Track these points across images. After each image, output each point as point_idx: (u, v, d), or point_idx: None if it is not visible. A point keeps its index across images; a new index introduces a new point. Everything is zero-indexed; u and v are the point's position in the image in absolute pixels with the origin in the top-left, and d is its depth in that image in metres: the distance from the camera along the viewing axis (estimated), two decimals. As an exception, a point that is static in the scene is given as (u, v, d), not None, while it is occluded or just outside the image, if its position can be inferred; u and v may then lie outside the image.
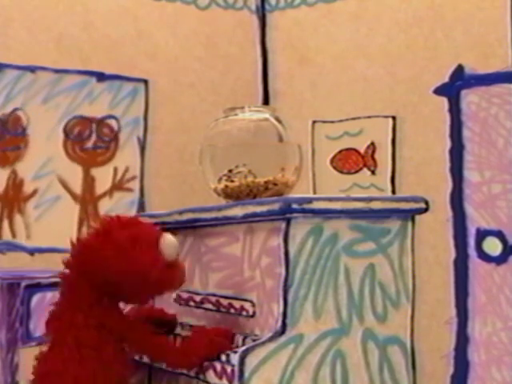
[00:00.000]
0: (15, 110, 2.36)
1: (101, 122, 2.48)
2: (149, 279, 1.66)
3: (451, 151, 2.28)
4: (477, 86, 2.22)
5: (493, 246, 2.19)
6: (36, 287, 2.18)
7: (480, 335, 2.20)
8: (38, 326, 2.18)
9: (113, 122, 2.50)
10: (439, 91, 2.29)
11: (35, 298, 2.17)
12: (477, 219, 2.23)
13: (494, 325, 2.18)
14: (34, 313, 2.17)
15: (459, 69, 2.25)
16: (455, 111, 2.26)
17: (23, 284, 2.17)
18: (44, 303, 2.18)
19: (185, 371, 1.72)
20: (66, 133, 2.42)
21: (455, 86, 2.25)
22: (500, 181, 2.19)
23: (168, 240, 1.70)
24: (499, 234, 2.18)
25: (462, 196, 2.25)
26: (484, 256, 2.21)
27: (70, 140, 2.43)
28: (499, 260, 2.18)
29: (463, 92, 2.25)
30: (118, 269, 1.66)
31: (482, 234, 2.21)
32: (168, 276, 1.70)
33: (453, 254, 2.27)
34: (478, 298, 2.21)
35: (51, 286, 2.18)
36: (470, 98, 2.23)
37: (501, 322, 2.17)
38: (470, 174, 2.24)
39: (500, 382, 2.17)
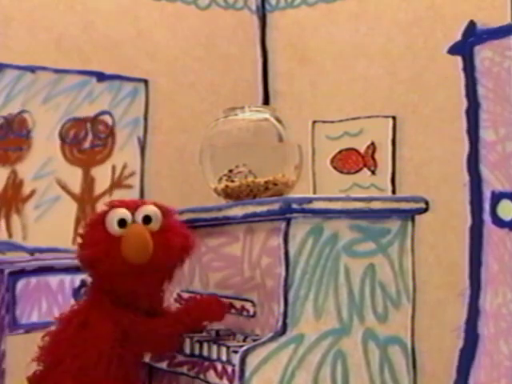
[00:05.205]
0: (22, 111, 2.35)
1: (95, 120, 2.47)
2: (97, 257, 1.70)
3: (467, 111, 2.23)
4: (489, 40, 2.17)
5: (507, 209, 2.13)
6: (20, 273, 2.18)
7: (491, 307, 2.15)
8: (24, 313, 2.18)
9: (107, 118, 2.49)
10: (453, 50, 2.24)
11: (19, 285, 2.17)
12: (492, 182, 2.17)
13: (504, 295, 2.13)
14: (19, 299, 2.17)
15: (471, 25, 2.21)
16: (469, 69, 2.21)
17: (7, 271, 2.15)
18: (29, 289, 2.19)
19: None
20: (62, 137, 2.41)
21: (468, 42, 2.20)
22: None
23: (110, 216, 1.72)
24: (513, 197, 2.13)
25: (477, 158, 2.19)
26: (498, 221, 2.14)
27: (67, 144, 2.43)
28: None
29: (476, 48, 2.20)
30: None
31: (496, 197, 2.15)
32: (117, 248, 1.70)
33: (469, 221, 2.22)
34: (491, 267, 2.15)
35: (35, 271, 2.20)
36: (484, 54, 2.18)
37: (511, 292, 2.13)
38: (485, 133, 2.18)
39: (507, 354, 2.14)
